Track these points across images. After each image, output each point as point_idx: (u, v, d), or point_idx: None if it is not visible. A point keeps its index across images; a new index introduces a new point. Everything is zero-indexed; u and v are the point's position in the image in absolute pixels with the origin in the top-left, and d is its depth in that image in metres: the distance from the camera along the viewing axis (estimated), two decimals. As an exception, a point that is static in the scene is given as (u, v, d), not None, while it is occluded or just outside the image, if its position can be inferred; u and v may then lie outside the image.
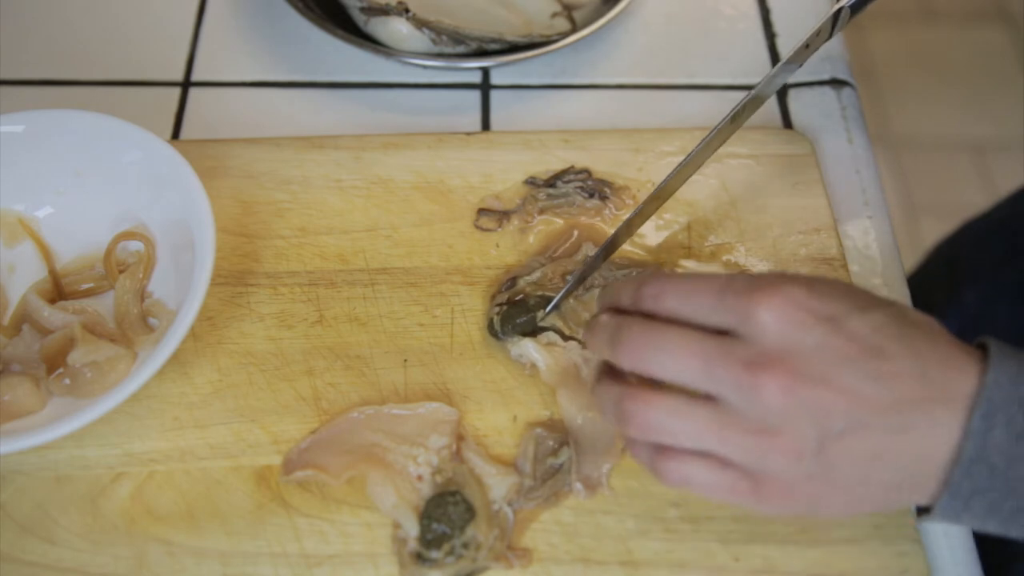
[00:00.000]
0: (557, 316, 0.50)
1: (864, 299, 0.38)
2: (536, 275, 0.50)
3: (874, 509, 0.38)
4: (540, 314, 0.49)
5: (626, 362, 0.39)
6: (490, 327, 0.49)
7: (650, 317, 0.39)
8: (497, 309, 0.49)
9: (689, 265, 0.52)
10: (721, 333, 0.37)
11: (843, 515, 0.39)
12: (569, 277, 0.50)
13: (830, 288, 0.38)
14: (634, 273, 0.51)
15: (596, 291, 0.50)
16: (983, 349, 0.37)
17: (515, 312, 0.49)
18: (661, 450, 0.39)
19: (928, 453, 0.36)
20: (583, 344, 0.48)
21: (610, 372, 0.42)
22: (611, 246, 0.50)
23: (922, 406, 0.35)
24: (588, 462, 0.45)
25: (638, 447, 0.40)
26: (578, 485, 0.45)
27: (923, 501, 0.37)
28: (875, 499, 0.37)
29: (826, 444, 0.36)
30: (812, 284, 0.37)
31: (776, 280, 0.37)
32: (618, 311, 0.41)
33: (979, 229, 0.78)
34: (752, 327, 0.36)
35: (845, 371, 0.36)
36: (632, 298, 0.40)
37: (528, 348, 0.48)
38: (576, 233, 0.53)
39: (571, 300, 0.50)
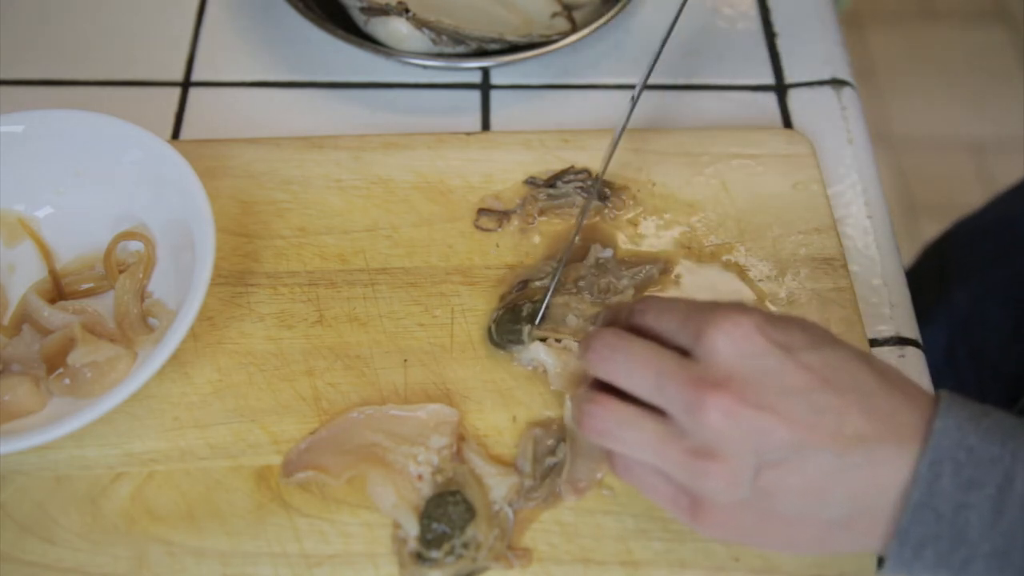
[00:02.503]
0: (551, 323, 0.49)
1: (822, 337, 0.38)
2: (547, 279, 0.50)
3: (820, 549, 0.38)
4: (527, 328, 0.48)
5: (593, 367, 0.40)
6: (489, 337, 0.49)
7: (637, 331, 0.41)
8: (495, 315, 0.49)
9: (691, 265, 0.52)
10: (686, 354, 0.38)
11: (784, 551, 0.39)
12: (573, 283, 0.50)
13: (788, 322, 0.38)
14: (644, 270, 0.51)
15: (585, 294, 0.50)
16: (936, 397, 0.37)
17: (508, 318, 0.49)
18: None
19: (872, 493, 0.36)
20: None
21: (593, 383, 0.43)
22: (568, 258, 0.51)
23: (868, 444, 0.35)
24: (582, 466, 0.45)
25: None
26: (566, 487, 0.44)
27: (872, 546, 0.37)
28: (817, 537, 0.37)
29: (763, 472, 0.36)
30: (771, 315, 0.38)
31: (738, 306, 0.38)
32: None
33: (969, 230, 0.78)
34: (705, 348, 0.37)
35: (790, 400, 0.36)
36: (627, 313, 0.42)
37: (539, 351, 0.48)
38: (578, 237, 0.53)
39: (567, 305, 0.50)
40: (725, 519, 0.37)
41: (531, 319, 0.49)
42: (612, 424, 0.39)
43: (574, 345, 0.48)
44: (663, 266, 0.52)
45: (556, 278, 0.50)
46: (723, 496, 0.36)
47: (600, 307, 0.50)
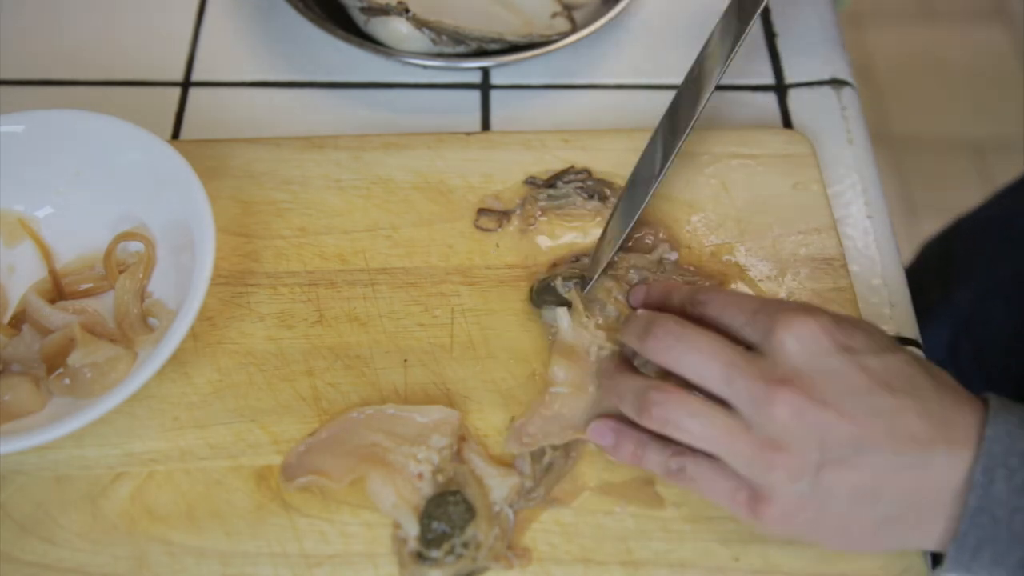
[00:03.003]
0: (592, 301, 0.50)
1: (882, 342, 0.40)
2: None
3: (872, 545, 0.39)
4: (569, 292, 0.49)
5: (654, 353, 0.42)
6: (530, 294, 0.50)
7: (695, 320, 0.42)
8: (542, 276, 0.50)
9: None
10: (750, 349, 0.40)
11: (839, 548, 0.40)
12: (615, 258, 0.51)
13: (852, 325, 0.40)
14: (698, 283, 0.51)
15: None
16: (985, 401, 0.38)
17: (544, 290, 0.50)
18: (677, 451, 0.41)
19: (922, 493, 0.37)
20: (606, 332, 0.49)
21: (624, 363, 0.45)
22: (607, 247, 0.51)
23: (922, 446, 0.37)
24: (547, 429, 0.46)
25: (650, 458, 0.42)
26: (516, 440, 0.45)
27: (921, 544, 0.39)
28: (870, 533, 0.38)
29: (825, 468, 0.37)
30: (837, 317, 0.40)
31: (805, 308, 0.40)
32: (656, 309, 0.45)
33: (970, 227, 0.78)
34: (774, 346, 0.39)
35: (854, 401, 0.37)
36: (682, 299, 0.44)
37: (560, 316, 0.49)
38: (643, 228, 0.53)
39: (609, 291, 0.50)
40: (784, 513, 0.38)
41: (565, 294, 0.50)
42: (682, 414, 0.40)
43: (585, 330, 0.48)
44: (718, 283, 0.51)
45: (620, 241, 0.50)
46: (785, 488, 0.38)
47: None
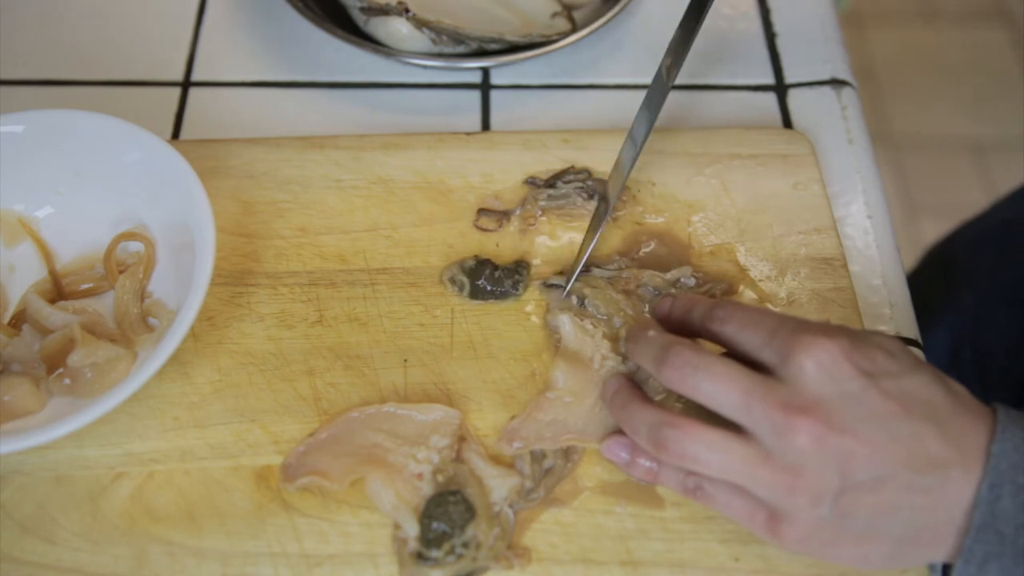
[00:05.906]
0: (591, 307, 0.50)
1: (903, 361, 0.39)
2: (608, 272, 0.51)
3: (889, 564, 0.39)
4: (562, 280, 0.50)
5: (670, 382, 0.41)
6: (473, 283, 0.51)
7: (713, 337, 0.42)
8: (463, 264, 0.51)
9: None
10: (766, 370, 0.40)
11: (855, 565, 0.40)
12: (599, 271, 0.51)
13: (872, 346, 0.39)
14: (707, 288, 0.51)
15: (601, 281, 0.51)
16: (996, 418, 0.38)
17: (479, 273, 0.50)
18: (690, 473, 0.41)
19: (937, 511, 0.37)
20: (608, 338, 0.49)
21: (634, 390, 0.44)
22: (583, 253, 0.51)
23: (938, 468, 0.37)
24: (541, 433, 0.46)
25: (667, 475, 0.43)
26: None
27: (938, 558, 0.39)
28: (887, 553, 0.39)
29: (845, 492, 0.37)
30: (856, 338, 0.39)
31: (824, 329, 0.39)
32: (667, 325, 0.45)
33: (975, 231, 0.78)
34: (792, 371, 0.38)
35: (873, 426, 0.37)
36: (701, 315, 0.43)
37: (564, 321, 0.49)
38: (654, 242, 0.53)
39: (617, 304, 0.50)
40: (803, 534, 0.39)
41: (499, 285, 0.50)
42: (699, 448, 0.39)
43: (590, 338, 0.49)
44: (727, 286, 0.51)
45: (589, 249, 0.51)
46: (805, 513, 0.38)
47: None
